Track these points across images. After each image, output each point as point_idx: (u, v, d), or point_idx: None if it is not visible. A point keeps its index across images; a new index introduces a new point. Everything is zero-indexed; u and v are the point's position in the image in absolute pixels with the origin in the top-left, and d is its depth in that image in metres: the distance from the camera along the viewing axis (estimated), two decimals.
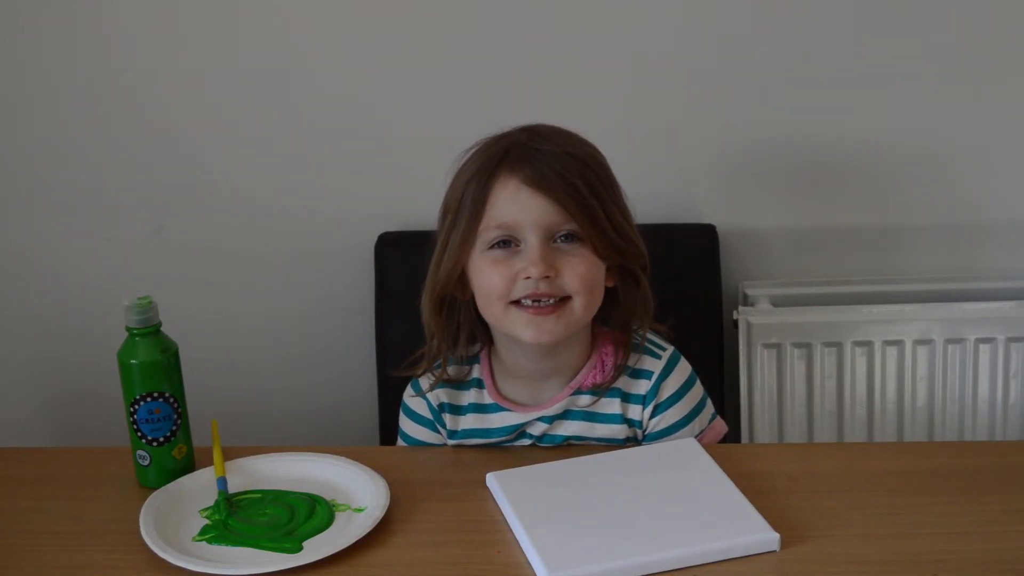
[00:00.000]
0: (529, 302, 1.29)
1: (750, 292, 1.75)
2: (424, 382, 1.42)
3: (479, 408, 1.41)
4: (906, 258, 1.77)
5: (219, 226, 1.78)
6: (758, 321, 1.71)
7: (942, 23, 1.67)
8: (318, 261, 1.78)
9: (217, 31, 1.69)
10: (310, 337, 1.83)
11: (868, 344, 1.72)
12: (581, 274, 1.30)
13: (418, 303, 1.38)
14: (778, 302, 1.74)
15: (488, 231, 1.31)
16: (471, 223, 1.31)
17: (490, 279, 1.31)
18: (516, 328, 1.31)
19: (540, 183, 1.29)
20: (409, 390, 1.45)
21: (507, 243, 1.31)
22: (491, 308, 1.32)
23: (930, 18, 1.66)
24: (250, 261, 1.79)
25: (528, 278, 1.28)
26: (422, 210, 1.61)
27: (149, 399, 1.30)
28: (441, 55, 1.69)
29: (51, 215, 1.78)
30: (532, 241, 1.29)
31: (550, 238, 1.30)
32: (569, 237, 1.31)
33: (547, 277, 1.28)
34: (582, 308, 1.31)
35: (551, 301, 1.29)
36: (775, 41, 1.68)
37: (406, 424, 1.45)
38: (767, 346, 1.72)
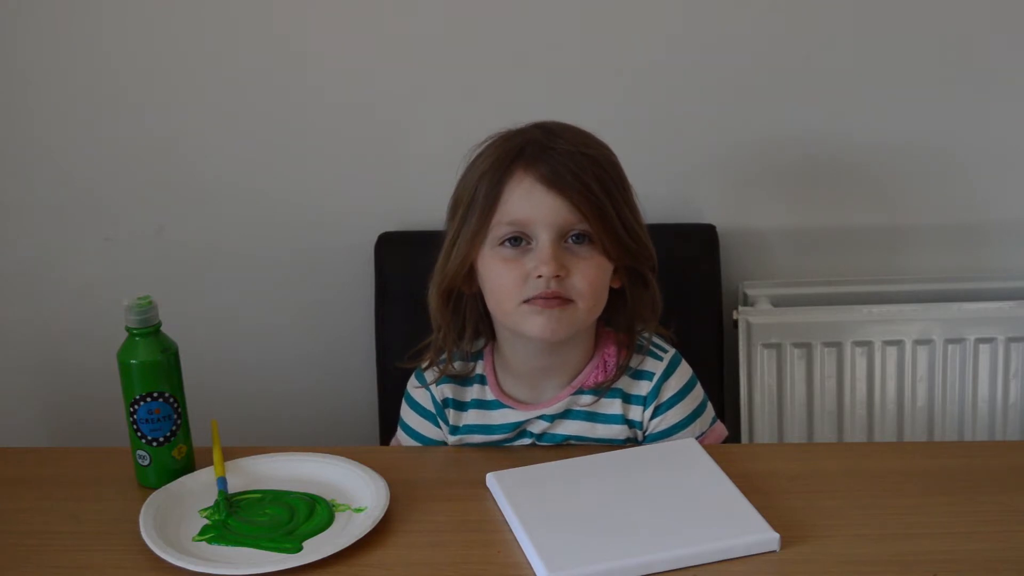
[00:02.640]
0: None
1: (750, 292, 1.75)
2: (429, 375, 1.42)
3: (481, 404, 1.41)
4: (906, 258, 1.77)
5: (219, 226, 1.78)
6: (758, 321, 1.71)
7: (943, 23, 1.67)
8: (318, 261, 1.78)
9: (216, 31, 1.69)
10: (310, 337, 1.83)
11: (868, 344, 1.72)
12: (590, 279, 1.30)
13: (424, 297, 1.38)
14: (778, 302, 1.74)
15: (500, 227, 1.30)
16: (483, 218, 1.31)
17: (501, 278, 1.31)
18: (524, 323, 1.31)
19: (555, 182, 1.29)
20: (413, 381, 1.45)
21: (518, 240, 1.30)
22: (501, 307, 1.32)
23: (931, 18, 1.67)
24: (250, 261, 1.79)
25: (539, 277, 1.28)
26: (422, 210, 1.62)
27: (149, 399, 1.30)
28: (441, 55, 1.69)
29: (51, 215, 1.78)
30: (544, 240, 1.29)
31: (562, 237, 1.30)
32: (580, 237, 1.30)
33: (557, 277, 1.28)
34: (586, 312, 1.31)
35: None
36: (775, 41, 1.68)
37: (408, 416, 1.46)
38: (767, 346, 1.72)
